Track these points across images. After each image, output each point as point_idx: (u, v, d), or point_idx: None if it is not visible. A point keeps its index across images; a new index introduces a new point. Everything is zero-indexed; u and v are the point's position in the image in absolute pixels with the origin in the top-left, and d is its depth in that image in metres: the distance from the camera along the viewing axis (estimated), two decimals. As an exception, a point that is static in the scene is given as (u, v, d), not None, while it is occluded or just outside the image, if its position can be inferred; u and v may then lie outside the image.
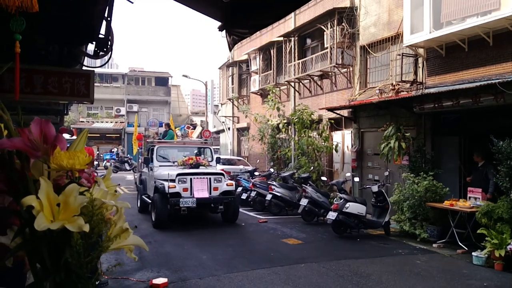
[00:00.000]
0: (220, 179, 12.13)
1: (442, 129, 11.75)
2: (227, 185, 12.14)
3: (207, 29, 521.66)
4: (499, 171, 8.29)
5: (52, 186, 1.30)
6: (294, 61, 18.26)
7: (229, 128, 28.16)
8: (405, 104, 11.79)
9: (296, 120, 16.05)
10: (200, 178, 11.82)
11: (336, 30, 15.10)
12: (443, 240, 9.86)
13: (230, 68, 27.02)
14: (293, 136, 17.91)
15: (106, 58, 4.82)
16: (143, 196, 13.85)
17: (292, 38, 18.64)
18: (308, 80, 17.98)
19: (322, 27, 15.88)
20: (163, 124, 20.02)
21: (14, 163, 1.39)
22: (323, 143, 15.79)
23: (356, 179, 13.21)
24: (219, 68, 30.98)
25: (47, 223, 1.22)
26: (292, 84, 19.08)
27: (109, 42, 4.64)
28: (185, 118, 49.71)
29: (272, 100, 18.22)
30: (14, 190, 1.39)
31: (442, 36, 10.69)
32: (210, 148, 14.56)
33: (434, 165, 11.45)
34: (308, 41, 18.76)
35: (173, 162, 13.11)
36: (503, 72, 9.68)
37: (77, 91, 4.62)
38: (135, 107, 46.15)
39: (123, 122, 45.54)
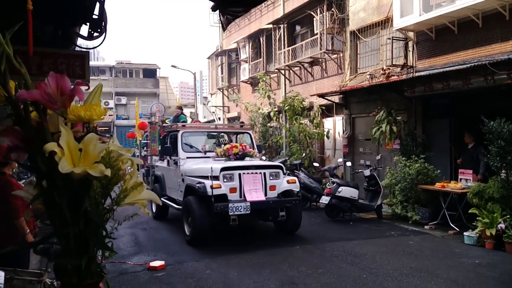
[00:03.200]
0: (277, 173, 9.13)
1: (432, 112, 11.85)
2: (287, 182, 9.16)
3: (194, 19, 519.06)
4: (490, 151, 8.40)
5: (72, 134, 1.33)
6: (284, 48, 18.23)
7: (219, 118, 28.13)
8: (396, 88, 11.85)
9: (287, 107, 16.07)
10: (252, 173, 8.80)
11: (326, 15, 15.10)
12: (435, 222, 9.98)
13: (219, 57, 26.94)
14: (284, 123, 17.94)
15: (100, 39, 4.82)
16: (163, 199, 10.63)
17: (282, 25, 18.60)
18: (298, 68, 17.99)
19: (312, 13, 15.88)
20: (176, 107, 18.35)
21: (30, 119, 1.42)
22: (315, 130, 15.84)
23: (348, 163, 13.30)
24: (208, 58, 30.85)
25: (71, 166, 1.25)
26: (283, 71, 19.05)
27: (103, 23, 4.64)
28: (174, 110, 49.53)
29: (262, 88, 18.17)
30: (30, 146, 1.42)
31: (432, 19, 10.74)
32: (250, 134, 11.43)
33: (425, 148, 11.55)
34: (298, 28, 18.75)
35: (204, 153, 10.29)
36: (493, 53, 9.76)
37: (73, 72, 4.60)
38: (123, 100, 45.88)
39: (111, 115, 45.26)
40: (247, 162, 9.35)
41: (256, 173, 8.80)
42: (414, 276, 6.61)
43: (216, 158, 9.72)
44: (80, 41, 5.43)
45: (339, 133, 15.81)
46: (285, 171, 9.44)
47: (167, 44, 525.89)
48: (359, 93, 13.87)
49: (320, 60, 16.41)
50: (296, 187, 9.28)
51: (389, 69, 12.46)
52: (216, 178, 8.27)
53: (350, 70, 14.90)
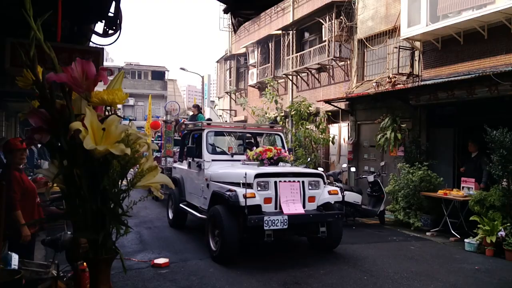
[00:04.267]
0: (317, 183, 7.90)
1: (437, 121, 11.95)
2: (329, 193, 7.90)
3: (204, 24, 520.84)
4: (492, 160, 8.50)
5: (96, 115, 1.46)
6: (292, 54, 18.37)
7: (226, 122, 28.27)
8: (401, 96, 11.96)
9: (293, 112, 16.17)
10: (289, 181, 7.56)
11: (334, 23, 15.25)
12: (437, 229, 10.06)
13: (228, 61, 27.13)
14: (290, 128, 18.04)
15: (114, 37, 4.97)
16: (182, 205, 9.62)
17: (291, 32, 18.76)
18: (305, 74, 18.12)
19: (321, 20, 16.02)
20: (192, 106, 17.07)
21: (55, 102, 1.55)
22: (320, 136, 15.93)
23: (353, 169, 13.40)
24: (217, 62, 31.08)
25: (94, 144, 1.38)
26: (290, 77, 19.20)
27: (118, 21, 4.79)
28: (182, 112, 49.69)
29: (269, 93, 18.28)
30: (53, 128, 1.54)
31: (439, 29, 10.88)
32: (281, 136, 10.04)
33: (429, 156, 11.66)
34: (306, 34, 18.90)
35: (231, 155, 9.25)
36: (497, 64, 9.88)
37: (87, 68, 4.74)
38: (131, 101, 46.12)
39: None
40: (283, 168, 8.23)
41: (293, 181, 7.59)
42: (414, 280, 6.70)
43: (245, 162, 8.75)
44: (93, 39, 5.57)
45: (344, 139, 15.91)
46: (325, 180, 8.22)
47: (176, 47, 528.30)
48: (365, 100, 13.99)
49: (328, 66, 16.54)
50: (338, 199, 8.07)
51: (395, 77, 12.58)
52: (249, 185, 7.13)
53: (357, 77, 15.03)
